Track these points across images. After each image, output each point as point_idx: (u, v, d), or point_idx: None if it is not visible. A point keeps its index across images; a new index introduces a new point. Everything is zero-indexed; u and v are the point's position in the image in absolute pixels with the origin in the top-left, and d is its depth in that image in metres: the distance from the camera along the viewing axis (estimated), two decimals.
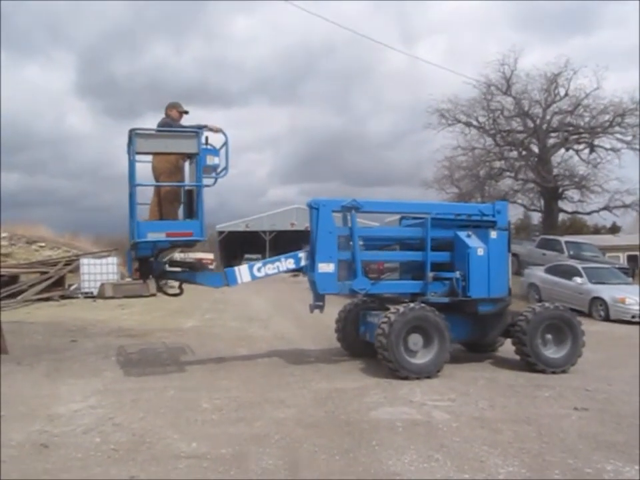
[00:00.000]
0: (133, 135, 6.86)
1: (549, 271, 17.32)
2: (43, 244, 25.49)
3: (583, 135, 28.14)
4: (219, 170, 7.44)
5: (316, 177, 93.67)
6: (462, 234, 8.05)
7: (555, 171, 28.50)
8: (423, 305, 7.49)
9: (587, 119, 27.71)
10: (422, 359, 7.31)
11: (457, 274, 7.81)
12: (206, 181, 7.30)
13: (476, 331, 8.25)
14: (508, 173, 29.97)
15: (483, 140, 30.02)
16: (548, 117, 28.34)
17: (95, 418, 5.40)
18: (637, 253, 25.11)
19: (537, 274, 17.71)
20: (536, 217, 34.33)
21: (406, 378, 7.04)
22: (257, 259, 8.59)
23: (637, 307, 14.14)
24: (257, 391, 6.49)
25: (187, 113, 7.84)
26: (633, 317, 14.05)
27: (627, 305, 14.30)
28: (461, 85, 36.92)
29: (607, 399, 6.28)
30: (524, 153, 28.94)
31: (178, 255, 15.66)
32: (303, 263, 7.94)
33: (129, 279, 19.89)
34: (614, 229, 39.95)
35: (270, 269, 7.86)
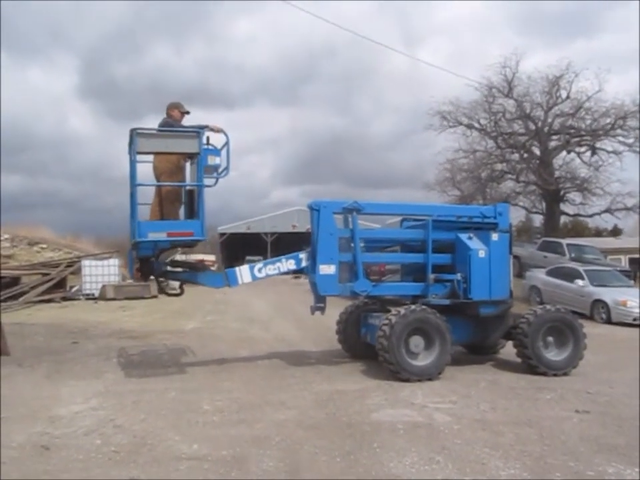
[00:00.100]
0: (134, 134, 6.86)
1: (551, 273, 17.30)
2: (44, 245, 25.52)
3: (585, 138, 28.15)
4: (220, 170, 7.45)
5: (317, 179, 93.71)
6: (463, 236, 8.05)
7: (557, 174, 28.52)
8: (424, 307, 7.49)
9: (589, 121, 27.76)
10: (423, 361, 7.30)
11: (458, 276, 7.80)
12: (207, 181, 7.30)
13: (477, 333, 8.23)
14: (509, 176, 30.00)
15: (484, 142, 30.11)
16: (549, 120, 28.37)
17: (96, 419, 5.39)
18: (639, 255, 25.03)
19: (539, 276, 17.69)
20: (537, 220, 34.36)
21: (407, 380, 7.03)
22: (258, 261, 8.58)
23: (639, 310, 14.12)
24: (257, 393, 6.49)
25: (188, 113, 7.86)
26: (635, 319, 14.03)
27: (629, 308, 14.29)
28: (462, 87, 37.14)
29: (609, 402, 6.27)
30: (525, 155, 28.97)
31: (179, 256, 15.66)
32: (303, 263, 7.94)
33: (130, 281, 19.94)
34: (615, 232, 39.84)
35: (271, 269, 7.86)
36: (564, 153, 28.75)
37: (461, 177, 30.61)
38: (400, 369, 7.08)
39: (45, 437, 4.85)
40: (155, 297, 18.88)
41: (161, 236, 7.02)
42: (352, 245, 7.87)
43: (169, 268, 7.91)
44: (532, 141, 28.78)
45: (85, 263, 20.31)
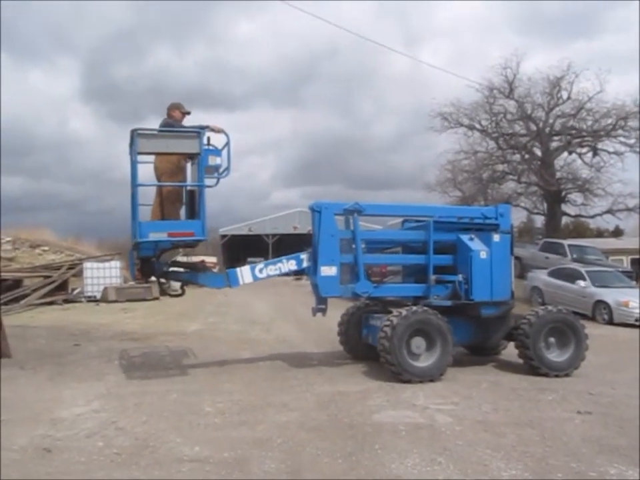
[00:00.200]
0: (135, 135, 6.88)
1: (552, 274, 17.28)
2: (46, 248, 25.54)
3: (586, 138, 28.13)
4: (220, 170, 7.46)
5: (319, 180, 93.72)
6: (464, 237, 8.05)
7: (558, 174, 28.49)
8: (425, 308, 7.49)
9: (590, 122, 27.73)
10: (425, 362, 7.30)
11: (460, 277, 7.80)
12: (208, 182, 7.32)
13: (479, 334, 8.23)
14: (511, 176, 29.98)
15: (485, 143, 30.10)
16: (551, 120, 28.36)
17: (98, 422, 5.39)
18: None
19: (540, 277, 17.67)
20: (539, 220, 34.28)
21: (409, 381, 7.03)
22: (259, 262, 8.57)
23: None
24: (259, 395, 6.49)
25: (189, 113, 7.87)
26: (637, 320, 13.99)
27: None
28: (463, 88, 37.04)
29: (611, 403, 6.26)
30: (527, 156, 28.95)
31: (180, 258, 15.67)
32: (304, 264, 7.94)
33: (132, 283, 19.97)
34: (617, 232, 39.77)
35: (272, 270, 7.87)
36: (565, 153, 28.74)
37: (462, 177, 30.61)
38: (401, 370, 7.08)
39: (46, 440, 4.86)
40: (156, 298, 18.90)
41: (162, 236, 7.04)
42: (353, 246, 7.88)
43: (170, 268, 7.92)
44: (533, 141, 28.77)
45: (87, 265, 20.35)
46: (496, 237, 7.97)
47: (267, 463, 4.32)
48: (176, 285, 8.67)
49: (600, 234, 41.59)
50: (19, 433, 5.01)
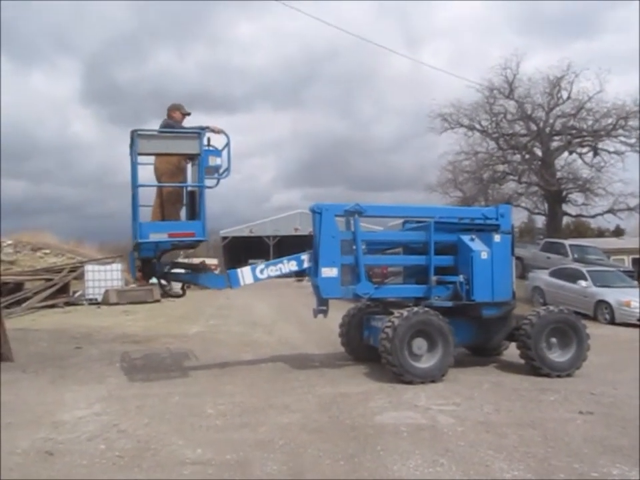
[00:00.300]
0: (135, 136, 6.89)
1: (554, 274, 17.27)
2: (47, 251, 25.58)
3: (587, 138, 28.13)
4: (221, 171, 7.47)
5: (319, 182, 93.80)
6: (465, 238, 8.05)
7: (559, 174, 28.50)
8: (426, 309, 7.48)
9: (590, 122, 27.75)
10: (426, 363, 7.29)
11: (461, 278, 7.80)
12: (208, 182, 7.33)
13: (480, 335, 8.23)
14: (511, 177, 29.99)
15: (486, 144, 30.11)
16: (551, 120, 28.37)
17: (100, 425, 5.40)
18: None
19: (542, 277, 17.66)
20: (540, 221, 34.27)
21: (410, 382, 7.02)
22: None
23: None
24: (261, 396, 6.49)
25: (189, 114, 7.88)
26: (638, 319, 13.98)
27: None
28: (463, 88, 37.04)
29: (613, 403, 6.25)
30: (527, 156, 28.96)
31: (181, 260, 15.68)
32: (305, 264, 7.94)
33: (133, 285, 19.99)
34: (618, 232, 39.73)
35: (272, 270, 7.87)
36: (566, 153, 28.75)
37: (462, 178, 30.63)
38: (403, 371, 7.07)
39: (48, 443, 4.86)
40: (157, 301, 18.93)
41: (163, 237, 7.04)
42: (354, 247, 7.88)
43: (171, 269, 7.92)
44: (533, 142, 28.78)
45: (88, 268, 20.37)
46: (497, 238, 7.97)
47: (269, 465, 4.32)
48: (177, 286, 8.68)
49: (601, 234, 41.59)
50: (21, 436, 5.01)
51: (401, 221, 9.64)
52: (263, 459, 4.45)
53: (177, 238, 7.15)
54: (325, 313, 8.18)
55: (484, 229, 8.26)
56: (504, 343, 8.78)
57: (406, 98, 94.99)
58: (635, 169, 26.51)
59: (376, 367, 7.78)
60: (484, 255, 7.82)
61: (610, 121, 27.06)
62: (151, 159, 7.50)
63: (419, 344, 7.29)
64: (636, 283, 17.07)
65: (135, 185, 7.04)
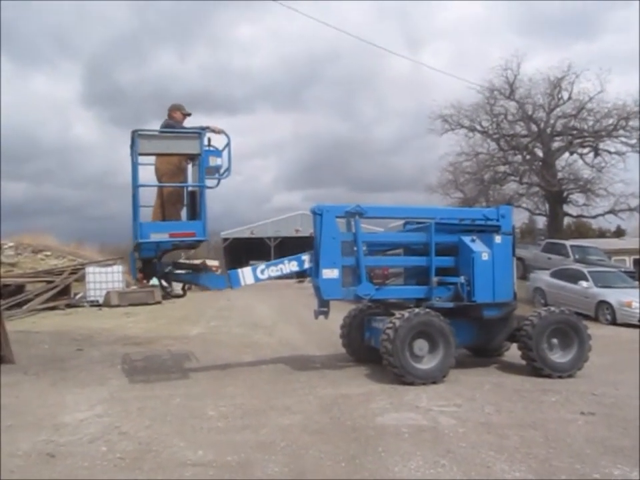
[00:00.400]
0: (136, 136, 6.90)
1: (555, 275, 17.26)
2: (48, 253, 25.56)
3: (587, 139, 28.10)
4: (221, 171, 7.48)
5: (320, 183, 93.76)
6: (466, 238, 8.05)
7: (560, 175, 28.47)
8: (427, 310, 7.48)
9: (591, 122, 27.69)
10: (427, 364, 7.29)
11: (462, 279, 7.80)
12: (209, 182, 7.34)
13: (481, 336, 8.23)
14: (512, 177, 29.95)
15: (486, 144, 30.08)
16: (552, 121, 28.34)
17: (101, 427, 5.40)
18: None
19: (543, 278, 17.65)
20: (541, 221, 34.26)
21: (411, 383, 7.02)
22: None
23: None
24: (262, 398, 6.49)
25: (189, 115, 7.89)
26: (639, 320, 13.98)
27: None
28: (464, 90, 37.07)
29: (614, 403, 6.24)
30: (528, 157, 28.93)
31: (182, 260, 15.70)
32: (306, 265, 7.94)
33: (134, 287, 19.99)
34: (619, 232, 39.71)
35: (273, 271, 7.88)
36: (567, 154, 28.73)
37: (463, 179, 30.59)
38: (404, 372, 7.07)
39: (50, 445, 4.86)
40: (158, 303, 18.92)
41: (163, 237, 7.05)
42: (355, 248, 7.88)
43: (171, 269, 7.92)
44: (534, 142, 28.75)
45: (89, 269, 20.36)
46: (498, 238, 7.97)
47: (270, 467, 4.32)
48: (178, 287, 8.68)
49: (602, 234, 41.56)
50: (23, 439, 5.02)
51: (401, 222, 9.64)
52: (264, 460, 4.45)
53: (177, 238, 7.15)
54: (325, 314, 8.18)
55: (485, 230, 8.26)
56: (505, 343, 8.78)
57: (406, 99, 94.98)
58: (636, 169, 26.57)
59: (377, 368, 7.78)
60: (485, 256, 7.82)
61: (611, 121, 27.04)
62: (152, 159, 7.52)
63: (420, 345, 7.29)
64: (637, 283, 17.05)
65: (135, 185, 7.05)
